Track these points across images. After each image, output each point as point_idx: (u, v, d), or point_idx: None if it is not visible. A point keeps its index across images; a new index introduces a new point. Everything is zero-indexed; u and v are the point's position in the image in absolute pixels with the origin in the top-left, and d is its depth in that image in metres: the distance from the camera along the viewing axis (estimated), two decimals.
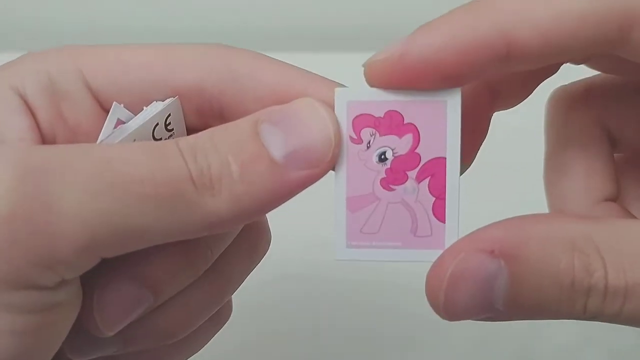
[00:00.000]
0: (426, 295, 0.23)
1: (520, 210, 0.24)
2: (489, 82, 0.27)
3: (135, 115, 0.26)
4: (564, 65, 0.28)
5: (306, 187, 0.24)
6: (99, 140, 0.26)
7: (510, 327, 0.42)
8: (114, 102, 0.26)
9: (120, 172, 0.22)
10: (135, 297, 0.26)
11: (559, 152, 0.29)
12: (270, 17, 0.64)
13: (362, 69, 0.24)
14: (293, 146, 0.23)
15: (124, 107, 0.26)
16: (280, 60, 0.27)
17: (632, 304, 0.22)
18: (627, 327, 0.25)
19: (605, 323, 0.23)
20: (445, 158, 0.25)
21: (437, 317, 0.23)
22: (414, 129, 0.25)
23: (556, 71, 0.27)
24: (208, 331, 0.31)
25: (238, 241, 0.29)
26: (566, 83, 0.30)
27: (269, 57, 0.27)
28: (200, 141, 0.23)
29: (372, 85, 0.24)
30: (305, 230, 0.43)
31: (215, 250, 0.28)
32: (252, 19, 0.65)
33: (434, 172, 0.25)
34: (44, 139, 0.27)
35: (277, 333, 0.45)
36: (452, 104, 0.24)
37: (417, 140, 0.25)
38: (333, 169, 0.25)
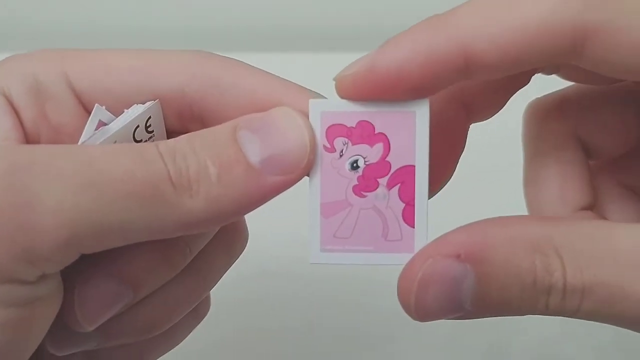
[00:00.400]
0: (398, 298, 0.24)
1: (496, 214, 0.25)
2: (463, 95, 0.28)
3: (117, 117, 0.27)
4: (541, 76, 0.29)
5: (281, 192, 0.25)
6: (80, 141, 0.26)
7: (490, 321, 0.44)
8: (96, 104, 0.27)
9: (102, 171, 0.23)
10: (115, 293, 0.27)
11: (535, 163, 0.30)
12: (270, 17, 0.65)
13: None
14: (269, 152, 0.24)
15: (105, 109, 0.27)
16: (260, 69, 0.27)
17: (590, 301, 0.23)
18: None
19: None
20: (414, 166, 0.26)
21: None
22: (384, 138, 0.26)
23: (527, 82, 0.28)
24: (187, 326, 0.32)
25: (216, 239, 0.30)
26: (542, 95, 0.31)
27: (250, 65, 0.28)
28: (180, 144, 0.24)
29: (342, 98, 0.26)
30: (283, 228, 0.44)
31: (194, 248, 0.29)
32: (252, 18, 0.65)
33: (404, 179, 0.26)
34: (28, 139, 0.27)
35: (255, 329, 0.45)
36: (420, 114, 0.25)
37: (387, 149, 0.26)
38: (307, 176, 0.26)
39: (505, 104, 0.29)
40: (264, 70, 0.27)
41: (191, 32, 0.65)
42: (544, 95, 0.31)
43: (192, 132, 0.25)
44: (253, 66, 0.28)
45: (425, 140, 0.26)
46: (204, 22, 0.65)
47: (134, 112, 0.27)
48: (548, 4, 0.23)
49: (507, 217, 0.24)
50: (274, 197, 0.25)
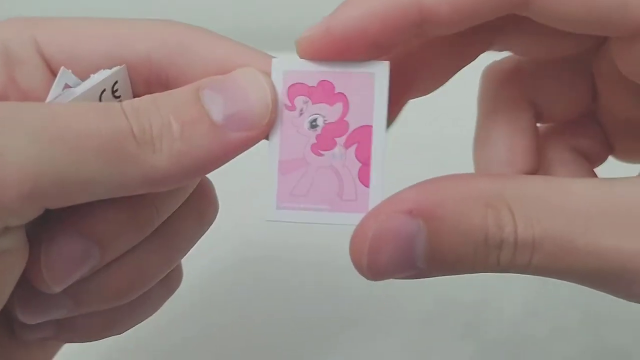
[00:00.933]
0: (350, 257, 0.24)
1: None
2: (406, 68, 0.28)
3: (83, 81, 0.27)
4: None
5: (244, 149, 0.25)
6: (46, 102, 0.27)
7: (457, 300, 0.43)
8: (62, 67, 0.27)
9: (66, 125, 0.23)
10: (81, 251, 0.27)
11: (486, 125, 0.31)
12: (270, 17, 0.65)
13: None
14: (232, 109, 0.25)
15: (72, 72, 0.27)
16: (226, 37, 0.28)
17: (540, 255, 0.23)
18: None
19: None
20: (372, 126, 0.26)
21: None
22: (344, 98, 0.26)
23: (473, 59, 0.29)
24: (159, 296, 0.32)
25: (187, 205, 0.30)
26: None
27: (216, 33, 0.28)
28: (143, 103, 0.25)
29: (302, 58, 0.26)
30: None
31: (162, 210, 0.29)
32: (252, 18, 0.66)
33: (361, 139, 0.26)
34: None
35: (232, 320, 0.45)
36: (379, 76, 0.26)
37: (346, 108, 0.26)
38: (266, 138, 0.26)
39: (447, 80, 0.29)
40: (229, 38, 0.28)
41: None
42: (501, 59, 0.31)
43: (156, 93, 0.25)
44: (219, 34, 0.28)
45: (383, 102, 0.26)
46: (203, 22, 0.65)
47: (101, 76, 0.27)
48: None
49: (459, 174, 0.25)
50: (236, 154, 0.25)
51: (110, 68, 0.27)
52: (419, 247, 0.23)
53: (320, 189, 0.26)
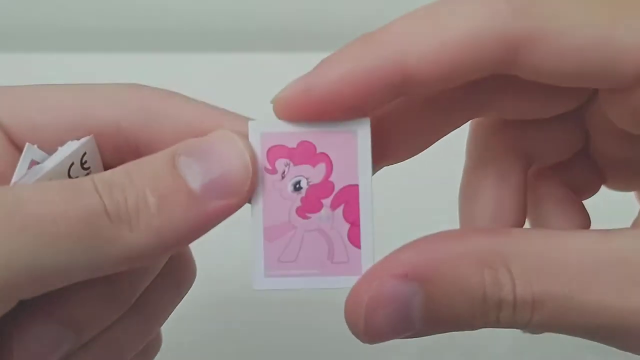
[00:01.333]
0: (346, 321, 0.24)
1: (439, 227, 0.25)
2: (382, 133, 0.28)
3: (50, 155, 0.26)
4: None
5: (225, 217, 0.24)
6: (12, 182, 0.25)
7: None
8: (27, 143, 0.26)
9: (32, 213, 0.22)
10: (56, 338, 0.25)
11: (473, 176, 0.30)
12: (269, 16, 0.64)
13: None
14: (210, 176, 0.24)
15: (37, 147, 0.26)
16: (196, 99, 0.27)
17: (541, 313, 0.23)
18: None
19: None
20: (358, 185, 0.25)
21: None
22: (326, 158, 0.25)
23: (456, 127, 0.29)
24: None
25: (163, 274, 0.29)
26: None
27: (185, 95, 0.27)
28: (116, 176, 0.24)
29: (279, 119, 0.25)
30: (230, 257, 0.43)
31: (140, 284, 0.28)
32: (251, 18, 0.65)
33: (348, 199, 0.25)
34: None
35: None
36: (361, 134, 0.25)
37: (330, 168, 0.25)
38: (249, 202, 0.25)
39: (426, 147, 0.29)
40: (200, 100, 0.27)
41: (191, 32, 0.64)
42: None
43: (130, 162, 0.24)
44: (188, 96, 0.27)
45: (367, 160, 0.25)
46: (203, 23, 0.65)
47: (68, 149, 0.26)
48: (476, 17, 0.23)
49: (453, 231, 0.24)
50: (217, 223, 0.24)
51: (77, 139, 0.26)
52: (415, 310, 0.23)
53: (309, 253, 0.25)
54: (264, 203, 0.25)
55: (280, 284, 0.25)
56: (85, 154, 0.26)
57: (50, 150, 0.26)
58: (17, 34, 0.62)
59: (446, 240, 0.24)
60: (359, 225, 0.25)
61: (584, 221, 0.31)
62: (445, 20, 0.23)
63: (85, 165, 0.26)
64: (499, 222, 0.29)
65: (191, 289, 0.31)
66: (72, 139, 0.26)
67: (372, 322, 0.23)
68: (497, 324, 0.23)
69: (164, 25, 0.64)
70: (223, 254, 0.42)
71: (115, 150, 0.27)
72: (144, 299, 0.29)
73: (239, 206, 0.24)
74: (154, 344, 0.31)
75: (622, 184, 0.32)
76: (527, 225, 0.32)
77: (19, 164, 0.25)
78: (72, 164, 0.26)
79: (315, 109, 0.24)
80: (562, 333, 0.24)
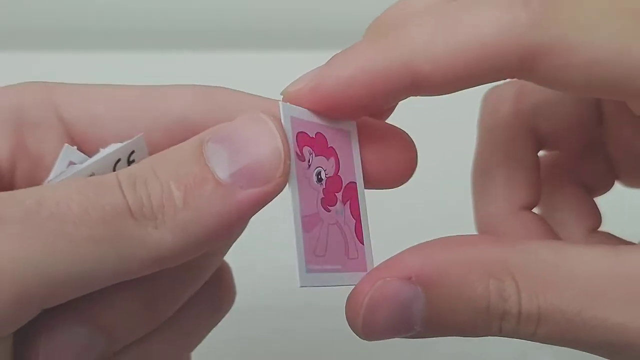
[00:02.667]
0: (346, 317, 0.24)
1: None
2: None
3: (89, 157, 0.25)
4: None
5: (259, 207, 0.22)
6: (45, 181, 0.25)
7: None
8: (65, 144, 0.25)
9: (51, 216, 0.20)
10: (86, 342, 0.24)
11: (485, 156, 0.30)
12: (269, 15, 0.64)
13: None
14: (239, 163, 0.22)
15: (76, 149, 0.25)
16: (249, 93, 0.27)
17: (545, 326, 0.23)
18: None
19: None
20: (356, 183, 0.25)
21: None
22: (334, 153, 0.25)
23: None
24: None
25: (202, 292, 0.28)
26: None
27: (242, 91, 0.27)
28: (140, 169, 0.22)
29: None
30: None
31: (179, 297, 0.27)
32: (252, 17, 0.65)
33: (351, 195, 0.25)
34: (1, 169, 0.26)
35: None
36: (353, 134, 0.25)
37: (337, 163, 0.25)
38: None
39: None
40: (257, 96, 0.27)
41: (194, 31, 0.64)
42: (502, 85, 0.30)
43: (158, 153, 0.23)
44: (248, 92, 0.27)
45: (359, 160, 0.25)
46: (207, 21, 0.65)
47: (111, 149, 0.25)
48: (494, 24, 0.22)
49: (462, 237, 0.24)
50: (251, 214, 0.23)
51: (130, 138, 0.25)
52: (416, 312, 0.23)
53: (333, 247, 0.24)
54: (299, 191, 0.23)
55: (318, 280, 0.24)
56: (133, 152, 0.25)
57: (91, 154, 0.26)
58: (19, 33, 0.62)
59: (453, 246, 0.24)
60: (360, 222, 0.25)
61: (595, 220, 0.31)
62: (461, 25, 0.23)
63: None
64: (511, 202, 0.29)
65: None
66: (135, 135, 0.25)
67: (371, 321, 0.23)
68: (499, 333, 0.23)
69: (164, 24, 0.65)
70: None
71: None
72: (182, 314, 0.27)
73: (273, 194, 0.22)
74: None
75: (637, 179, 0.32)
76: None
77: (55, 164, 0.25)
78: (119, 160, 0.25)
79: (323, 105, 0.24)
80: (565, 346, 0.24)
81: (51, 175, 0.25)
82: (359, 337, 0.24)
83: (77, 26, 0.64)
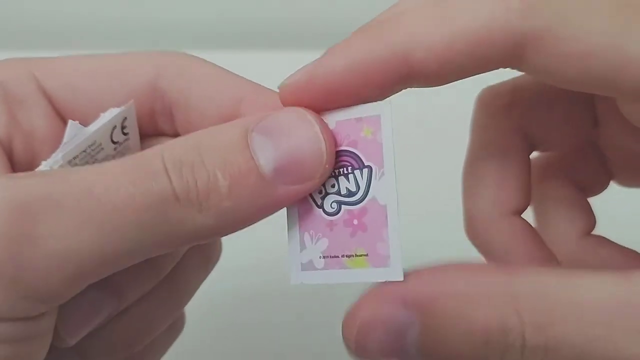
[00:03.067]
0: (342, 335, 0.23)
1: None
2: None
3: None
4: None
5: (294, 201, 0.24)
6: (56, 154, 0.25)
7: None
8: (69, 120, 0.25)
9: (101, 201, 0.22)
10: (99, 302, 0.26)
11: (477, 157, 0.29)
12: (269, 15, 0.64)
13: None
14: (283, 160, 0.23)
15: (79, 123, 0.26)
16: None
17: (553, 358, 0.22)
18: None
19: None
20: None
21: None
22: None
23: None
24: (163, 343, 0.31)
25: (192, 249, 0.29)
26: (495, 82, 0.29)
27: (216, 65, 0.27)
28: (186, 154, 0.23)
29: (285, 106, 0.24)
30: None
31: (177, 253, 0.28)
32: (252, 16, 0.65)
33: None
34: (1, 144, 0.26)
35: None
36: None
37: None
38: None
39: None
40: (225, 70, 0.27)
41: (192, 27, 0.64)
42: (497, 84, 0.29)
43: (199, 135, 0.23)
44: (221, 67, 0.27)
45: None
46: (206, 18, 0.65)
47: (110, 115, 0.26)
48: (486, 11, 0.22)
49: (464, 264, 0.23)
50: (286, 205, 0.24)
51: (114, 100, 0.26)
52: (410, 338, 0.22)
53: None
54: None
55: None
56: (126, 118, 0.26)
57: (89, 114, 0.26)
58: (20, 32, 0.63)
59: (454, 273, 0.22)
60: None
61: (589, 222, 0.30)
62: (455, 13, 0.22)
63: (125, 130, 0.27)
64: (501, 207, 0.28)
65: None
66: (109, 100, 0.26)
67: (363, 344, 0.22)
68: None
69: (164, 25, 0.64)
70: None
71: (150, 113, 0.27)
72: (177, 271, 0.29)
73: (310, 192, 0.23)
74: (179, 323, 0.31)
75: (632, 179, 0.31)
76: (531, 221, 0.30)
77: (63, 140, 0.25)
78: (115, 127, 0.26)
79: (319, 97, 0.23)
80: None
81: (59, 151, 0.25)
82: (352, 355, 0.23)
83: (77, 26, 0.65)
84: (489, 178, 0.29)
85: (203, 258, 0.30)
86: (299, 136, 0.23)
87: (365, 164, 0.23)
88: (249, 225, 0.23)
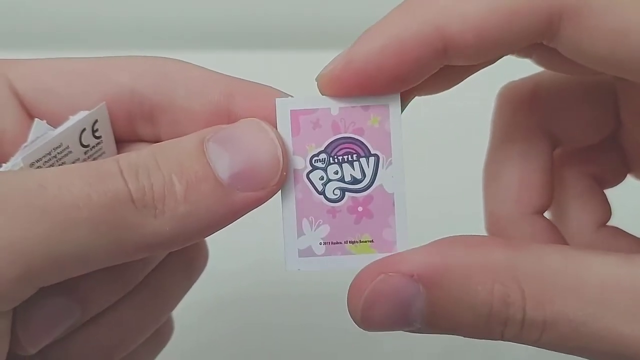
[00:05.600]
0: (347, 306, 0.23)
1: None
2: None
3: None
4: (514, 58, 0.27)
5: (252, 209, 0.23)
6: (19, 154, 0.24)
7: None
8: (36, 119, 0.25)
9: (54, 198, 0.21)
10: (61, 310, 0.25)
11: (498, 155, 0.29)
12: (269, 15, 0.64)
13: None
14: (239, 167, 0.23)
15: (46, 122, 0.25)
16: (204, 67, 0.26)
17: (551, 334, 0.22)
18: None
19: None
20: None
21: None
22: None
23: (492, 63, 0.27)
24: (147, 354, 0.30)
25: (173, 256, 0.28)
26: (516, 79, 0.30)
27: (198, 65, 0.26)
28: (143, 159, 0.22)
29: (323, 95, 0.24)
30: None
31: (149, 262, 0.27)
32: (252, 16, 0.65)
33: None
34: None
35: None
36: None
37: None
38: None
39: (462, 80, 0.27)
40: (208, 69, 0.26)
41: (193, 28, 0.64)
42: (517, 81, 0.30)
43: (156, 144, 0.23)
44: (204, 67, 0.26)
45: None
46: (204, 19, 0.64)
47: (79, 117, 0.25)
48: None
49: (469, 237, 0.23)
50: (243, 214, 0.23)
51: (91, 106, 0.26)
52: (416, 309, 0.22)
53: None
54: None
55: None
56: (97, 121, 0.25)
57: (61, 118, 0.25)
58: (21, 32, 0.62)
59: (460, 247, 0.23)
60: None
61: (605, 213, 0.30)
62: None
63: (96, 134, 0.26)
64: (523, 202, 0.29)
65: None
66: (84, 105, 0.25)
67: (370, 315, 0.23)
68: (501, 338, 0.23)
69: (164, 25, 0.64)
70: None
71: (128, 117, 0.26)
72: (154, 280, 0.28)
73: (266, 199, 0.23)
74: (165, 331, 0.30)
75: None
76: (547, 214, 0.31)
77: (27, 140, 0.24)
78: (84, 129, 0.25)
79: (357, 83, 0.23)
80: (570, 354, 0.23)
81: (18, 154, 0.24)
82: (359, 327, 0.24)
83: (77, 26, 0.64)
84: (511, 177, 0.29)
85: (185, 265, 0.29)
86: (255, 145, 0.23)
87: (372, 152, 0.24)
88: (205, 234, 0.23)
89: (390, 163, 0.24)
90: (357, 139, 0.24)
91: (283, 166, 0.23)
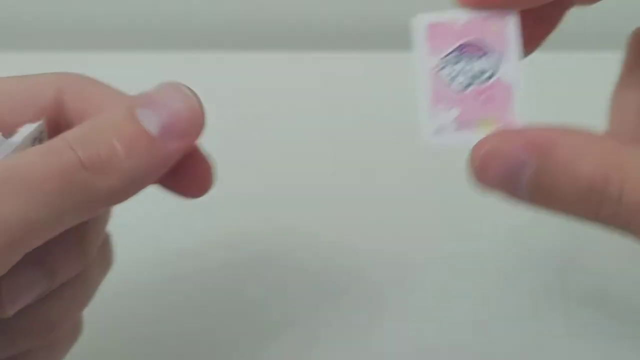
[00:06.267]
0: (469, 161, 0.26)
1: None
2: None
3: (7, 138, 0.28)
4: None
5: (182, 154, 0.27)
6: None
7: None
8: None
9: (21, 177, 0.24)
10: (34, 277, 0.28)
11: (627, 79, 0.32)
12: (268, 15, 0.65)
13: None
14: (165, 120, 0.27)
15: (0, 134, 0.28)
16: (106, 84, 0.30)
17: None
18: None
19: None
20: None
21: None
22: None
23: None
24: (67, 341, 0.33)
25: (99, 250, 0.32)
26: None
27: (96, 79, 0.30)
28: (85, 131, 0.26)
29: (462, 6, 0.28)
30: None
31: (101, 230, 0.31)
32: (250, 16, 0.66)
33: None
34: None
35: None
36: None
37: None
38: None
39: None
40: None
41: (195, 28, 0.66)
42: None
43: (92, 120, 0.27)
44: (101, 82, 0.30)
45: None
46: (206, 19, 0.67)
47: (29, 128, 0.28)
48: None
49: (589, 132, 0.25)
50: (175, 160, 0.27)
51: (31, 122, 0.29)
52: (524, 176, 0.25)
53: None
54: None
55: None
56: (42, 132, 0.29)
57: (8, 135, 0.28)
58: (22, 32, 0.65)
59: (573, 131, 0.25)
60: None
61: None
62: None
63: (43, 142, 0.29)
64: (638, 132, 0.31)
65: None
66: (17, 126, 0.28)
67: (483, 171, 0.25)
68: (597, 217, 0.25)
69: (164, 25, 0.66)
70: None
71: (55, 126, 0.30)
72: (82, 275, 0.31)
73: (194, 141, 0.28)
74: (80, 323, 0.33)
75: None
76: None
77: None
78: (35, 139, 0.28)
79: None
80: None
81: None
82: (473, 180, 0.26)
83: (77, 26, 0.67)
84: (632, 103, 0.31)
85: (105, 257, 0.33)
86: (174, 99, 0.27)
87: (493, 51, 0.28)
88: (150, 181, 0.27)
89: (509, 59, 0.28)
90: (480, 41, 0.28)
91: (201, 112, 0.27)
